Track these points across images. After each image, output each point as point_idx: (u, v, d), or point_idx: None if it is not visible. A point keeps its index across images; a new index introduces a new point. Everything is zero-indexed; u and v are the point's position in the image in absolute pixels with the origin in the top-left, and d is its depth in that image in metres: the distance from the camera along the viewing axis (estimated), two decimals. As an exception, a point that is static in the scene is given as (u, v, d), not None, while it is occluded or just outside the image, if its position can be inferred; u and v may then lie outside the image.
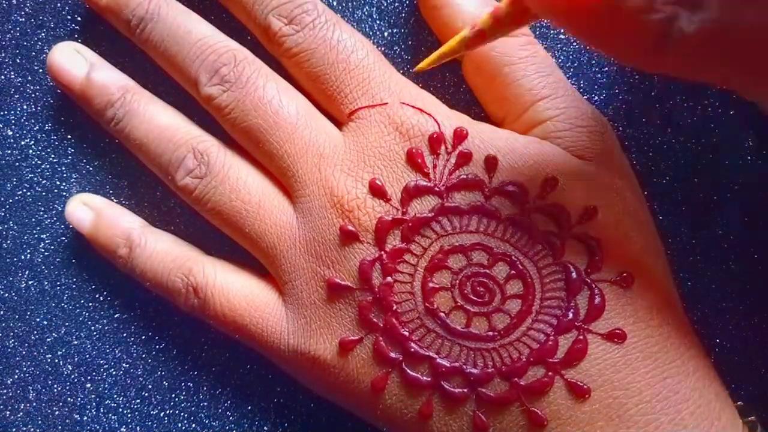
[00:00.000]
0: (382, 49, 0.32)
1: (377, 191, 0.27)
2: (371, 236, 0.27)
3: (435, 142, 0.27)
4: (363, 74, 0.28)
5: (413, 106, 0.28)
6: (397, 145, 0.27)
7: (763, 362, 0.32)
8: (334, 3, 0.32)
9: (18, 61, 0.32)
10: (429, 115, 0.28)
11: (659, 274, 0.27)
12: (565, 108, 0.28)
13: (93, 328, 0.33)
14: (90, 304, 0.33)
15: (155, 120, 0.30)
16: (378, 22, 0.32)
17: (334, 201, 0.27)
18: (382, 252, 0.26)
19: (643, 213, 0.28)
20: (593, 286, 0.26)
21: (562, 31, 0.32)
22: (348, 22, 0.30)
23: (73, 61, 0.30)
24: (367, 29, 0.32)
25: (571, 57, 0.32)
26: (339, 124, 0.29)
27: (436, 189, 0.27)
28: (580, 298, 0.26)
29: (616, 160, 0.28)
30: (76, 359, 0.33)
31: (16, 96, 0.32)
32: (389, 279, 0.26)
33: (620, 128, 0.32)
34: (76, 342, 0.33)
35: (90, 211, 0.31)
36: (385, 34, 0.32)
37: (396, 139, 0.27)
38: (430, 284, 0.26)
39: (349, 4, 0.32)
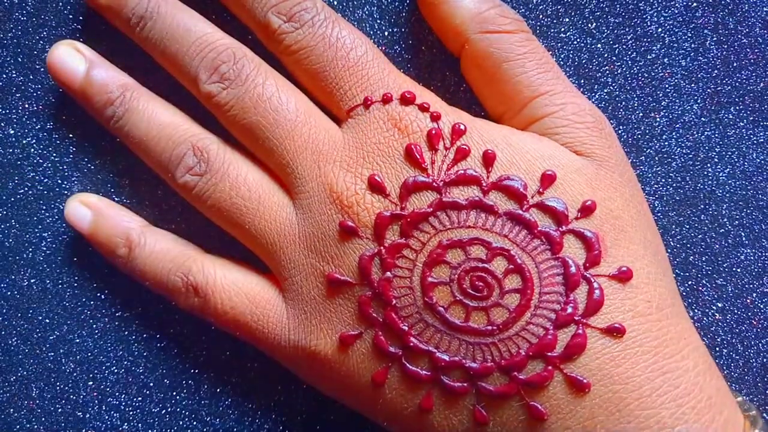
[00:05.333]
0: (383, 48, 0.32)
1: (376, 187, 0.27)
2: (370, 231, 0.27)
3: (433, 137, 0.27)
4: (362, 71, 0.28)
5: (412, 102, 0.28)
6: (396, 141, 0.27)
7: (763, 362, 0.32)
8: (335, 2, 0.32)
9: (19, 59, 0.32)
10: (427, 111, 0.28)
11: (658, 269, 0.27)
12: (564, 104, 0.28)
13: (95, 326, 0.33)
14: (92, 302, 0.33)
15: (155, 118, 0.30)
16: (379, 21, 0.32)
17: (334, 197, 0.27)
18: (381, 247, 0.27)
19: (642, 208, 0.28)
20: (592, 280, 0.26)
21: (562, 30, 0.32)
22: (349, 22, 0.30)
23: (73, 59, 0.31)
24: (368, 28, 0.32)
25: (570, 56, 0.32)
26: (338, 121, 0.29)
27: (435, 184, 0.27)
28: (579, 292, 0.26)
29: (615, 155, 0.28)
30: (78, 357, 0.33)
31: (18, 95, 0.33)
32: (388, 274, 0.26)
33: (620, 127, 0.32)
34: (77, 340, 0.33)
35: (89, 211, 0.31)
36: (386, 33, 0.32)
37: (395, 135, 0.27)
38: (429, 279, 0.26)
39: (350, 3, 0.32)
